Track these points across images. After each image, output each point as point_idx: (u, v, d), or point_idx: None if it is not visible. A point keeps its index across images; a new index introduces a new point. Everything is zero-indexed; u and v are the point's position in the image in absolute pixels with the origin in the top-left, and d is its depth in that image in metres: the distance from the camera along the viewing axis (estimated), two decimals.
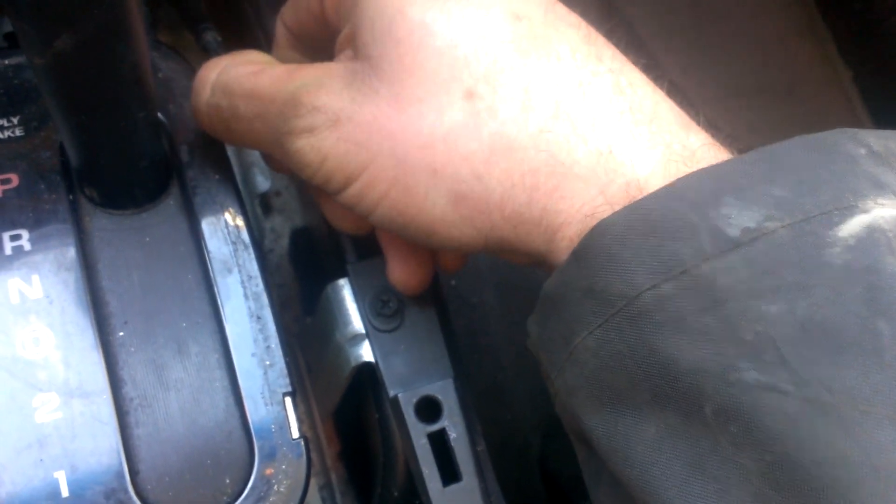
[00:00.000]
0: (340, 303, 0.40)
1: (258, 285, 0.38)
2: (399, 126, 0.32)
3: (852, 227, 0.26)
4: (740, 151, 0.31)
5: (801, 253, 0.26)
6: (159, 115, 0.40)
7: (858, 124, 0.83)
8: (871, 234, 0.26)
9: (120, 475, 0.33)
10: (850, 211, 0.27)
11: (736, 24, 0.82)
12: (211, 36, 0.52)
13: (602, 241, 0.29)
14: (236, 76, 0.37)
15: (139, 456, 0.34)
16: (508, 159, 0.31)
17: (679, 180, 0.29)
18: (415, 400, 0.37)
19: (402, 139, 0.32)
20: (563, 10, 0.34)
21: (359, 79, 0.33)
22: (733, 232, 0.27)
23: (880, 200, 0.27)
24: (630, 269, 0.28)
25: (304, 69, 0.35)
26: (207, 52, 0.54)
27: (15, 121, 0.39)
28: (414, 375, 0.38)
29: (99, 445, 0.33)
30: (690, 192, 0.28)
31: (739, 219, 0.27)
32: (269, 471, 0.35)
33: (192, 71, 0.43)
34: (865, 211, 0.27)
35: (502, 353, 0.59)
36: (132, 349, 0.36)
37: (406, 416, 0.37)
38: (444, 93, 0.32)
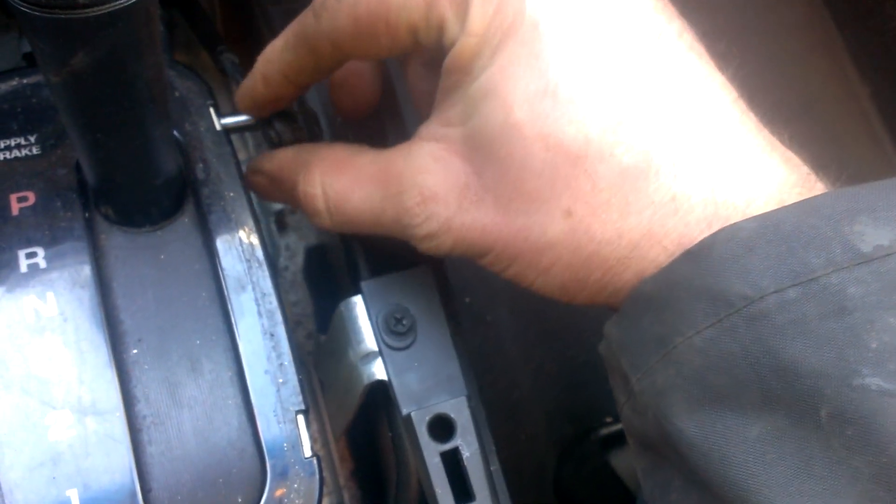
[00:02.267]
0: (353, 320, 0.40)
1: (272, 303, 0.38)
2: (509, 233, 0.34)
3: None
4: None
5: None
6: (175, 133, 0.40)
7: (876, 141, 0.83)
8: None
9: (132, 493, 0.33)
10: None
11: (752, 40, 0.82)
12: (228, 58, 0.52)
13: (728, 244, 0.30)
14: (338, 194, 0.38)
15: (152, 474, 0.34)
16: (606, 272, 0.33)
17: (814, 197, 0.31)
18: (428, 418, 0.37)
19: (512, 243, 0.34)
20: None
21: (463, 185, 0.35)
22: (866, 248, 0.28)
23: None
24: (755, 272, 0.29)
25: (402, 169, 0.36)
26: (225, 74, 0.55)
27: (32, 139, 0.39)
28: (427, 393, 0.38)
29: (112, 463, 0.33)
30: (826, 208, 0.30)
31: (873, 236, 0.28)
32: (281, 490, 0.35)
33: (208, 89, 0.43)
34: None
35: (517, 372, 0.58)
36: (146, 367, 0.36)
37: (419, 435, 0.37)
38: (544, 211, 0.33)
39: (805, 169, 0.33)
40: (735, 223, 0.31)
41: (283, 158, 0.42)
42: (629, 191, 0.32)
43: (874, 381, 0.27)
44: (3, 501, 0.32)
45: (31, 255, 0.37)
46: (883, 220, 0.29)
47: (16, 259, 0.36)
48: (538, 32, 0.33)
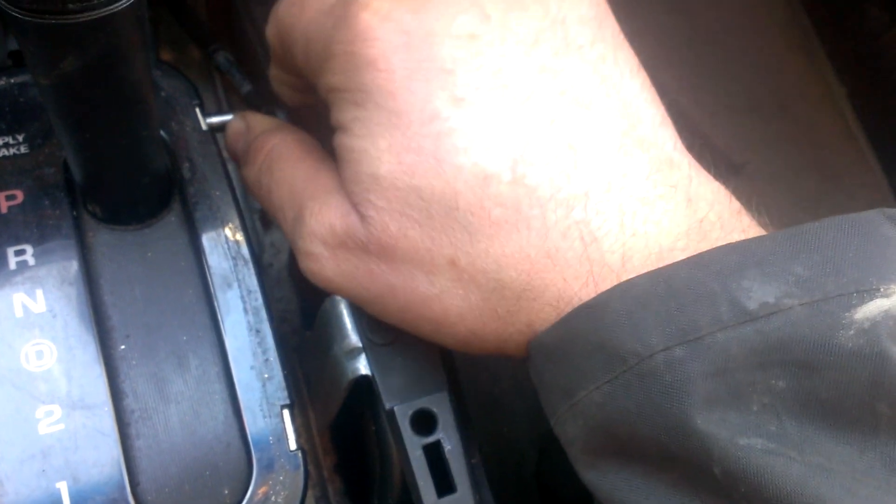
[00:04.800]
0: (338, 317, 0.40)
1: (257, 299, 0.39)
2: (396, 281, 0.34)
3: (869, 310, 0.27)
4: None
5: (814, 332, 0.27)
6: (161, 132, 0.41)
7: (853, 141, 0.84)
8: (886, 320, 0.27)
9: (121, 486, 0.34)
10: (870, 294, 0.27)
11: (731, 40, 0.83)
12: (223, 56, 0.53)
13: (622, 300, 0.30)
14: (280, 163, 0.39)
15: (140, 467, 0.35)
16: (497, 322, 0.33)
17: (707, 252, 0.30)
18: (410, 412, 0.38)
19: (401, 291, 0.34)
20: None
21: (347, 228, 0.35)
22: (751, 305, 0.28)
23: None
24: (646, 329, 0.29)
25: (317, 183, 0.37)
26: (220, 72, 0.55)
27: (20, 138, 0.40)
28: (410, 388, 0.38)
29: (100, 457, 0.34)
30: (715, 263, 0.29)
31: (759, 293, 0.28)
32: (267, 482, 0.35)
33: (193, 89, 0.44)
34: (887, 295, 0.27)
35: (500, 367, 0.59)
36: (133, 362, 0.36)
37: (402, 429, 0.37)
38: (428, 260, 0.33)
39: (701, 214, 0.32)
40: (631, 279, 0.30)
41: (257, 121, 0.43)
42: (504, 243, 0.32)
43: (759, 442, 0.27)
44: None
45: (19, 253, 0.37)
46: (771, 275, 0.28)
47: (5, 256, 0.37)
48: (396, 90, 0.33)
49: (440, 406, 0.38)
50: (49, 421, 0.34)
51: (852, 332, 0.27)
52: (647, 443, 0.29)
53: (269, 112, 0.49)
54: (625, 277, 0.31)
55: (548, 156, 0.32)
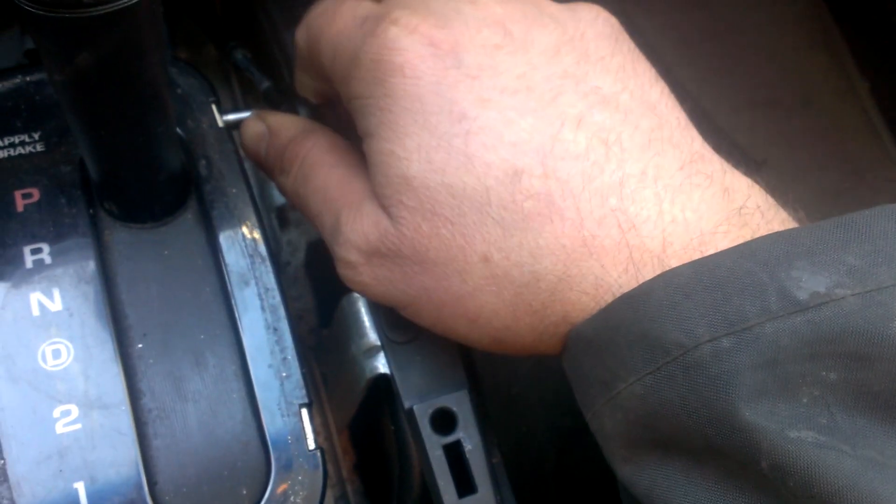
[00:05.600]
0: (356, 315, 0.40)
1: (275, 297, 0.38)
2: (430, 282, 0.34)
3: None
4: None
5: (867, 323, 0.27)
6: (178, 130, 0.41)
7: (875, 136, 0.83)
8: None
9: (138, 486, 0.33)
10: None
11: (751, 35, 0.82)
12: (241, 54, 0.53)
13: (665, 290, 0.29)
14: (314, 170, 0.39)
15: (157, 467, 0.34)
16: (532, 316, 0.33)
17: (752, 241, 0.30)
18: (430, 411, 0.37)
19: (435, 292, 0.34)
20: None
21: (380, 232, 0.35)
22: (802, 295, 0.27)
23: None
24: (691, 319, 0.28)
25: (350, 190, 0.37)
26: (237, 70, 0.55)
27: (36, 136, 0.40)
28: (429, 387, 0.38)
29: (118, 456, 0.34)
30: (762, 252, 0.29)
31: (810, 283, 0.28)
32: (285, 482, 0.35)
33: (210, 86, 0.43)
34: None
35: (518, 365, 0.59)
36: (151, 361, 0.36)
37: (421, 428, 0.37)
38: (461, 258, 0.33)
39: (738, 203, 0.32)
40: (673, 268, 0.30)
41: (282, 124, 0.43)
42: (537, 235, 0.32)
43: (809, 435, 0.26)
44: (12, 494, 0.32)
45: (36, 251, 0.37)
46: (821, 265, 0.28)
47: (21, 255, 0.37)
48: (424, 94, 0.33)
49: (460, 405, 0.37)
50: (66, 420, 0.34)
51: None
52: (690, 436, 0.28)
53: (290, 109, 0.49)
54: (666, 263, 0.31)
55: (578, 150, 0.32)
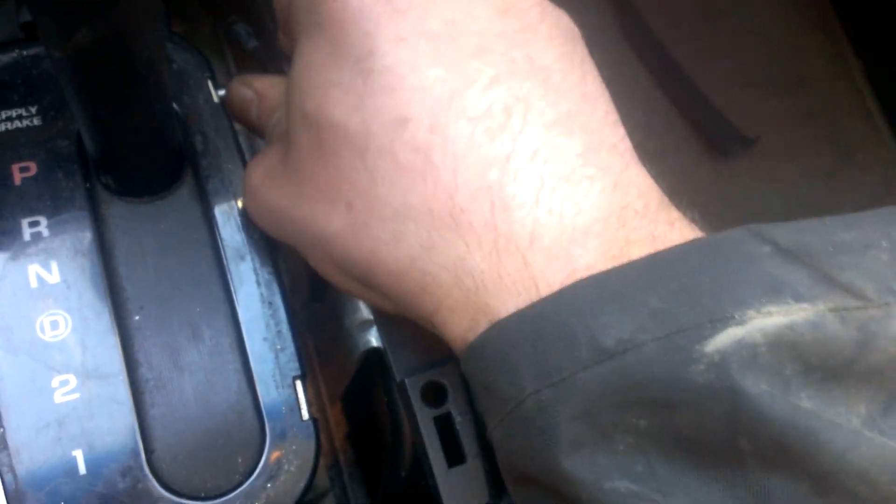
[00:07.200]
0: None
1: (270, 272, 0.39)
2: (299, 218, 0.34)
3: (720, 341, 0.25)
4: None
5: (666, 368, 0.26)
6: (174, 105, 0.41)
7: (868, 116, 0.83)
8: (738, 350, 0.25)
9: (136, 453, 0.34)
10: (723, 323, 0.25)
11: (746, 15, 0.82)
12: (242, 28, 0.53)
13: (498, 341, 0.29)
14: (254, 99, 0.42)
15: (154, 435, 0.35)
16: (389, 277, 0.32)
17: (569, 286, 0.28)
18: (421, 385, 0.38)
19: (303, 229, 0.34)
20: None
21: (277, 162, 0.36)
22: (608, 342, 0.26)
23: (769, 308, 0.25)
24: (519, 372, 0.28)
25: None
26: (231, 45, 0.55)
27: (33, 110, 0.40)
28: (420, 360, 0.39)
29: (115, 425, 0.34)
30: (578, 299, 0.28)
31: (616, 329, 0.26)
32: (279, 451, 0.36)
33: (205, 62, 0.44)
34: (741, 323, 0.25)
35: None
36: (147, 333, 0.37)
37: (413, 401, 0.38)
38: (329, 201, 0.32)
39: (625, 201, 0.30)
40: (505, 318, 0.29)
41: (269, 85, 0.43)
42: (406, 191, 0.30)
43: (623, 485, 0.26)
44: (11, 461, 0.33)
45: (33, 224, 0.37)
46: (627, 309, 0.26)
47: (19, 227, 0.37)
48: (345, 21, 0.31)
49: (451, 378, 0.38)
50: (64, 390, 0.35)
51: (703, 366, 0.25)
52: (538, 481, 0.29)
53: (276, 69, 0.49)
54: (530, 256, 0.29)
55: (476, 111, 0.30)
